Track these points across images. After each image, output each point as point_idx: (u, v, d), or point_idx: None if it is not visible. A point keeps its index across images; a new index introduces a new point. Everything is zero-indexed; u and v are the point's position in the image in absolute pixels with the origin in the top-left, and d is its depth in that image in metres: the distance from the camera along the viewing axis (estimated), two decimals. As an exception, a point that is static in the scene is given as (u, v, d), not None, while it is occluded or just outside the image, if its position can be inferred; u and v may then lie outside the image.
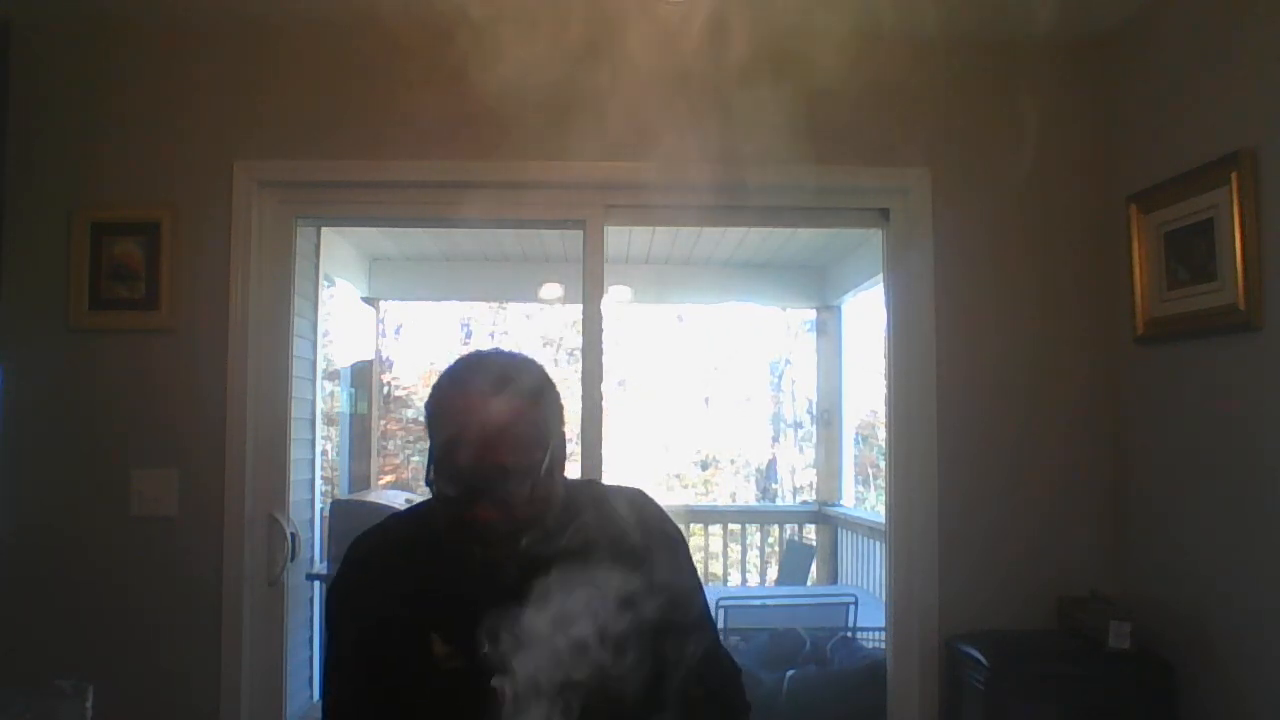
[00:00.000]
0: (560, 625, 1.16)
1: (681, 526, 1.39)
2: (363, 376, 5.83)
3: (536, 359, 1.26)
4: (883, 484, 3.23)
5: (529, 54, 2.50)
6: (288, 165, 2.50)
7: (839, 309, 5.97)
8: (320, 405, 4.14)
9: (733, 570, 6.66)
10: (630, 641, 1.16)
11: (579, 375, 2.61)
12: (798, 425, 9.95)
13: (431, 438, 1.18)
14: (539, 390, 1.19)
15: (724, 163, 2.43)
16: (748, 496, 9.91)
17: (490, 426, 1.12)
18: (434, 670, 1.21)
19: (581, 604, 1.16)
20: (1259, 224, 2.00)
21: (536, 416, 1.17)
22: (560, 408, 1.24)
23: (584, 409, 2.57)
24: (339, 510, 3.93)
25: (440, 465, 1.15)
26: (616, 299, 5.49)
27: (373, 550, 1.32)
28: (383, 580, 1.26)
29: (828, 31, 2.42)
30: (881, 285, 2.73)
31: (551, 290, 5.69)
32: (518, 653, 1.15)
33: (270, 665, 2.48)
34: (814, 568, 5.97)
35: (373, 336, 6.03)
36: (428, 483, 1.17)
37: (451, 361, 1.23)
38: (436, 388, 1.20)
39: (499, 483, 1.12)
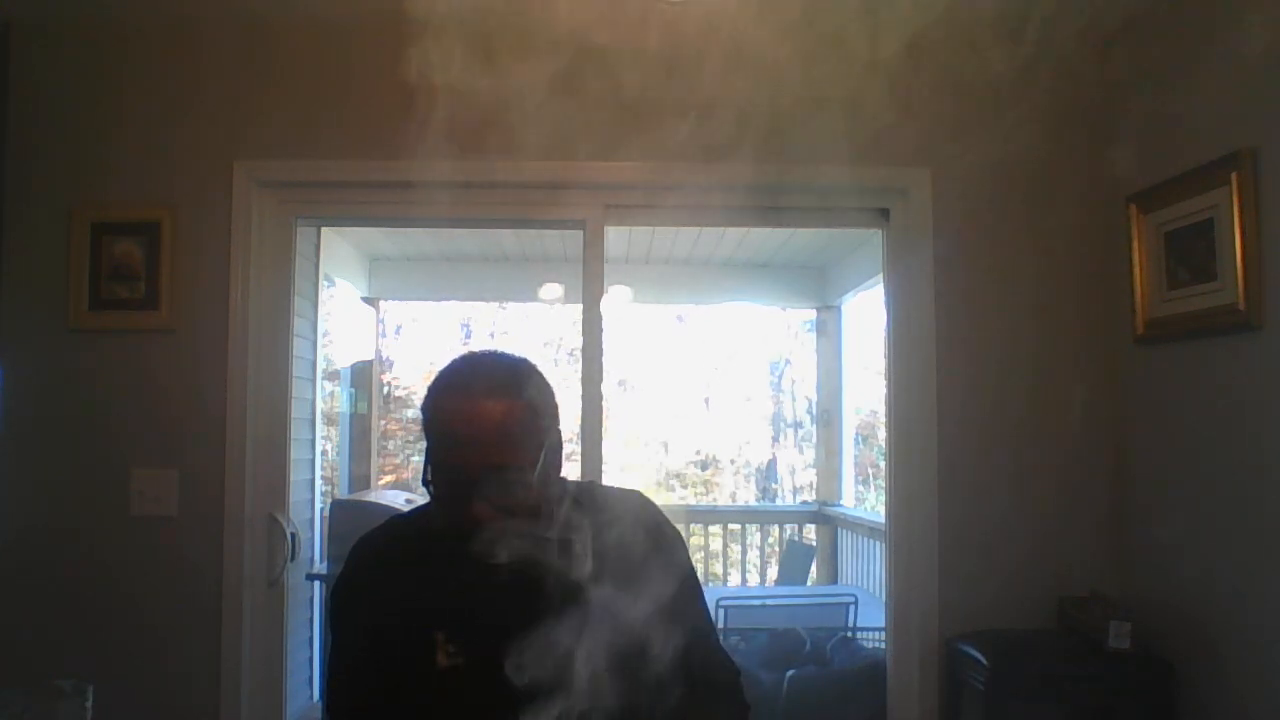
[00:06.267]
0: (557, 625, 1.16)
1: (681, 526, 1.40)
2: (363, 376, 5.83)
3: (531, 360, 1.26)
4: (883, 484, 3.23)
5: (529, 54, 2.51)
6: (288, 165, 2.50)
7: (839, 309, 5.97)
8: (320, 405, 4.14)
9: (733, 570, 6.66)
10: (627, 642, 1.17)
11: (579, 375, 2.61)
12: (798, 425, 9.95)
13: (428, 439, 1.19)
14: (532, 391, 1.20)
15: (724, 163, 2.43)
16: (748, 496, 9.91)
17: (484, 427, 1.13)
18: (435, 669, 1.21)
19: (579, 604, 1.17)
20: (1259, 224, 2.00)
21: (530, 417, 1.17)
22: (555, 408, 1.24)
23: (584, 409, 2.57)
24: (339, 510, 3.93)
25: (436, 466, 1.16)
26: (616, 299, 5.49)
27: (375, 551, 1.33)
28: (385, 581, 1.27)
29: (827, 31, 2.42)
30: (881, 285, 2.73)
31: (551, 290, 5.69)
32: (516, 652, 1.16)
33: (270, 665, 2.48)
34: (814, 568, 5.97)
35: (373, 336, 6.04)
36: (425, 484, 1.18)
37: (447, 363, 1.24)
38: (431, 390, 1.20)
39: (494, 483, 1.13)
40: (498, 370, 1.20)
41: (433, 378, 1.23)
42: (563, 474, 1.29)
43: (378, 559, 1.31)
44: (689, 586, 1.33)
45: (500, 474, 1.13)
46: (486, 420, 1.13)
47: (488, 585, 1.18)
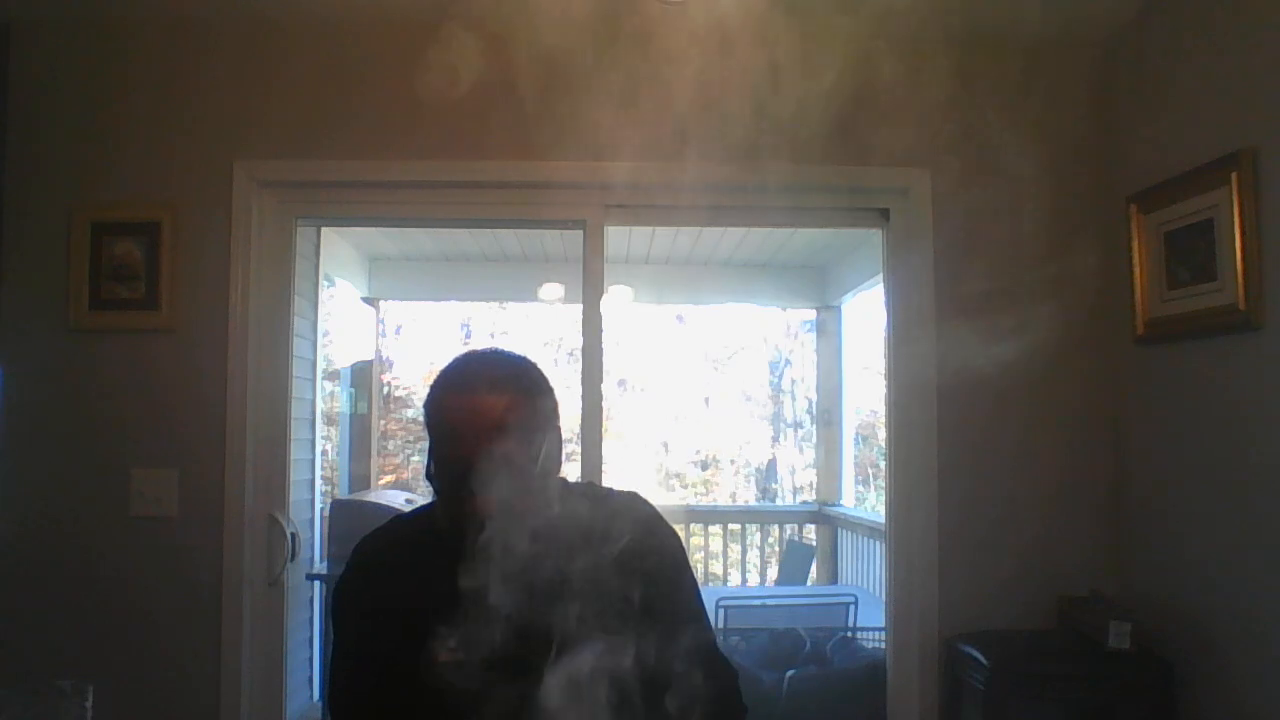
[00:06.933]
0: (556, 624, 1.17)
1: (681, 526, 1.41)
2: (363, 376, 5.83)
3: (532, 359, 1.28)
4: (883, 484, 3.23)
5: (529, 54, 2.51)
6: (288, 165, 2.50)
7: (839, 309, 5.97)
8: (320, 405, 4.15)
9: (733, 570, 6.66)
10: (625, 642, 1.17)
11: (579, 375, 2.61)
12: (798, 425, 9.96)
13: (430, 435, 1.21)
14: (532, 388, 1.22)
15: (724, 163, 2.43)
16: (748, 496, 9.91)
17: (485, 420, 1.16)
18: (436, 665, 1.22)
19: (578, 602, 1.17)
20: (1259, 224, 2.00)
21: (531, 412, 1.20)
22: (555, 405, 1.26)
23: (584, 409, 2.57)
24: (339, 510, 3.93)
25: (439, 460, 1.19)
26: (616, 299, 5.49)
27: (377, 549, 1.35)
28: (387, 577, 1.29)
29: (827, 31, 2.42)
30: (881, 285, 2.73)
31: (551, 290, 5.69)
32: (516, 649, 1.17)
33: (270, 665, 2.48)
34: (814, 568, 5.97)
35: (373, 336, 6.04)
36: (427, 478, 1.20)
37: (449, 360, 1.25)
38: (434, 385, 1.23)
39: (495, 476, 1.14)
40: (499, 366, 1.23)
41: (434, 376, 1.24)
42: (562, 473, 1.30)
43: (380, 556, 1.33)
44: (686, 588, 1.33)
45: (501, 467, 1.15)
46: (488, 414, 1.16)
47: (489, 581, 1.19)
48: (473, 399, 1.16)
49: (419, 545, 1.29)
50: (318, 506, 4.22)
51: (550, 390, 1.26)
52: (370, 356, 6.02)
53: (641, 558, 1.23)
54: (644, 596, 1.22)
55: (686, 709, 1.22)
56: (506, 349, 1.30)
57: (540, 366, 1.28)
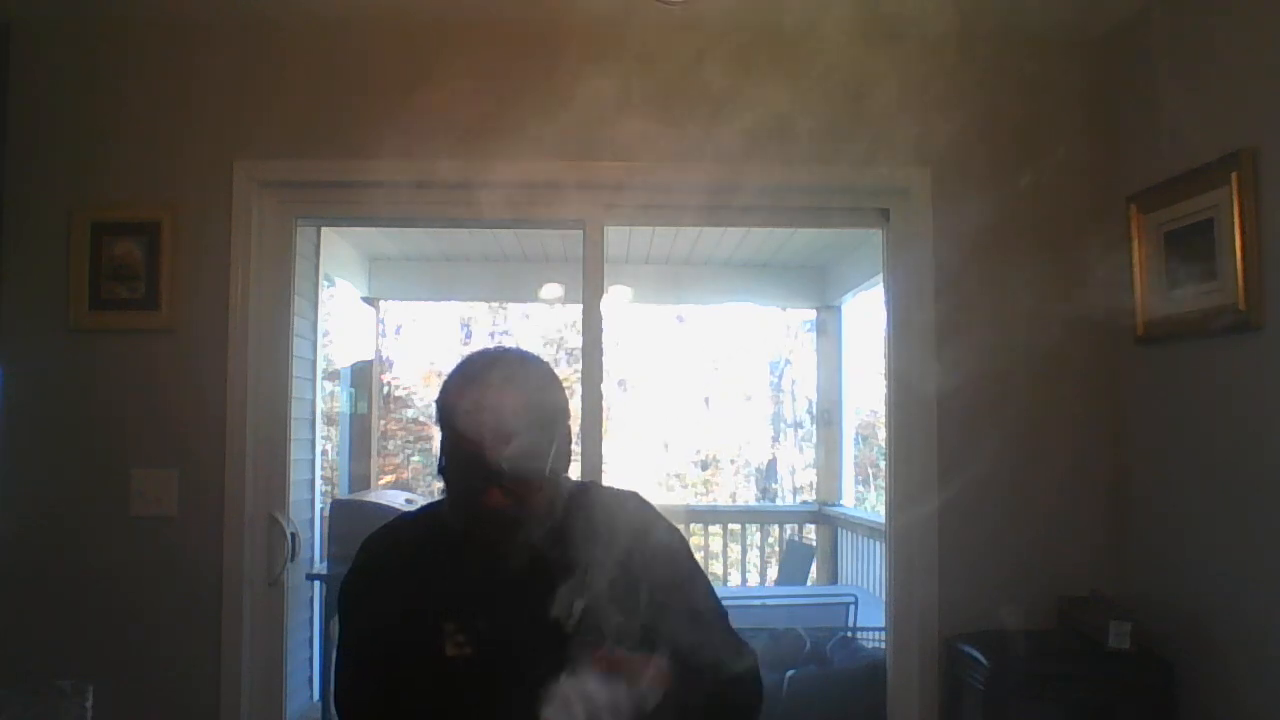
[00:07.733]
0: (565, 621, 1.18)
1: (681, 526, 1.42)
2: (363, 376, 5.84)
3: (542, 358, 1.30)
4: (883, 484, 3.23)
5: (529, 55, 2.51)
6: (288, 165, 2.50)
7: (839, 309, 5.97)
8: (320, 405, 4.16)
9: (733, 570, 6.66)
10: (634, 639, 1.18)
11: (579, 375, 2.61)
12: (798, 425, 9.96)
13: (443, 429, 1.21)
14: (546, 386, 1.24)
15: (724, 163, 2.43)
16: (748, 496, 9.91)
17: (501, 415, 1.16)
18: (442, 661, 1.22)
19: (584, 598, 1.18)
20: (1259, 224, 1.99)
21: (544, 410, 1.21)
22: (565, 404, 1.28)
23: (584, 409, 2.57)
24: (339, 510, 3.94)
25: (452, 454, 1.19)
26: (616, 299, 5.49)
27: (384, 545, 1.35)
28: (394, 572, 1.30)
29: (827, 31, 2.42)
30: (881, 285, 2.73)
31: (551, 290, 5.69)
32: (523, 642, 1.17)
33: (270, 665, 2.48)
34: (814, 568, 5.97)
35: (373, 336, 6.04)
36: (439, 472, 1.21)
37: (459, 358, 1.27)
38: (448, 380, 1.24)
39: (506, 469, 1.15)
40: (514, 364, 1.25)
41: (437, 376, 1.25)
42: (568, 473, 1.31)
43: (385, 555, 1.34)
44: (697, 581, 1.34)
45: (514, 462, 1.16)
46: (504, 409, 1.17)
47: (496, 576, 1.20)
48: (486, 397, 1.17)
49: (425, 543, 1.29)
50: (318, 506, 4.23)
51: (561, 389, 1.27)
52: (370, 356, 6.03)
53: (646, 553, 1.24)
54: (654, 593, 1.22)
55: (708, 694, 1.21)
56: (518, 347, 1.32)
57: (550, 365, 1.30)
